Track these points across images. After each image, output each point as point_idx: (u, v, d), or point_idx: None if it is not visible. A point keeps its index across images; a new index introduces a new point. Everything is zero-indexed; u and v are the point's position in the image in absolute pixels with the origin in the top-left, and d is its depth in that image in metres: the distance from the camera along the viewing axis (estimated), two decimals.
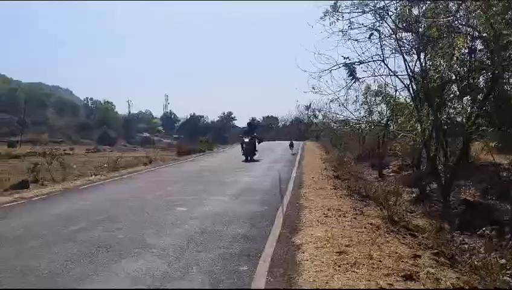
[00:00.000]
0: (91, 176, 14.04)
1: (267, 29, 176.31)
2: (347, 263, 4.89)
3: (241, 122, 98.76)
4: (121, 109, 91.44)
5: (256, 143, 21.61)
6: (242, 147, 21.15)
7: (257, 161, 20.13)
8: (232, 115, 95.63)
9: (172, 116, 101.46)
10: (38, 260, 4.94)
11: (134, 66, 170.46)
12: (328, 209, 8.23)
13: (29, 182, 11.60)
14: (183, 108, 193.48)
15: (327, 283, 4.31)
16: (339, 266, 4.80)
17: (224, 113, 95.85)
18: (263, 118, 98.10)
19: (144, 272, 4.58)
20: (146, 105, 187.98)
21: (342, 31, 12.64)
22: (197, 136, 50.91)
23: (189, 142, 41.05)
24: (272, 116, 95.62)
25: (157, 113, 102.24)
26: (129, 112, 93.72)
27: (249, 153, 20.62)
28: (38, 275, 4.43)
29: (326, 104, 15.93)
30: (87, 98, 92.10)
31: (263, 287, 4.26)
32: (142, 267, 4.73)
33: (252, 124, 23.71)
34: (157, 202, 9.11)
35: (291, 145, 27.65)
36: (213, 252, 5.37)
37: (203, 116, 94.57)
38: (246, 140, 20.96)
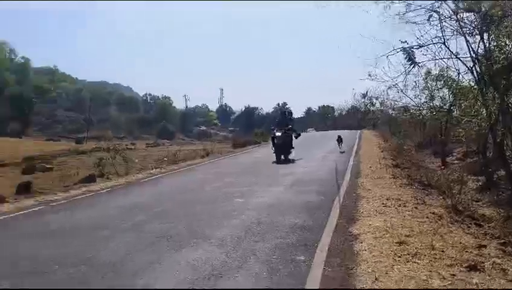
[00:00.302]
0: (152, 169, 14.59)
1: (321, 18, 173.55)
2: (407, 254, 4.76)
3: (297, 112, 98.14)
4: (178, 104, 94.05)
5: (293, 138, 16.96)
6: (273, 143, 16.48)
7: (293, 161, 15.91)
8: (287, 106, 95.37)
9: (228, 109, 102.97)
10: (106, 250, 5.22)
11: (190, 61, 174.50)
12: (387, 199, 8.04)
13: (96, 176, 12.24)
14: (238, 101, 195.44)
15: (386, 273, 4.21)
16: (399, 257, 4.68)
17: (278, 104, 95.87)
18: (318, 107, 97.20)
19: (203, 261, 4.70)
20: (202, 99, 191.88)
21: (399, 14, 12.20)
22: (252, 128, 51.41)
23: (245, 134, 41.47)
24: (327, 106, 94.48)
25: (213, 106, 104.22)
26: (186, 106, 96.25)
27: (282, 151, 16.06)
28: (104, 264, 4.66)
29: (384, 91, 15.48)
30: (146, 94, 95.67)
31: (320, 277, 4.24)
32: (201, 256, 4.86)
33: (286, 113, 18.99)
34: (214, 194, 9.32)
35: (339, 141, 21.05)
36: (270, 242, 5.41)
37: (257, 108, 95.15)
38: (278, 134, 16.20)
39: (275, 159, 15.89)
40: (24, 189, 9.92)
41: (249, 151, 23.70)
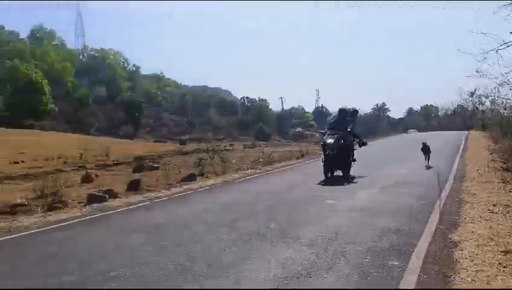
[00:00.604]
0: (247, 169, 15.02)
1: (424, 14, 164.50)
2: None
3: (396, 113, 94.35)
4: (275, 106, 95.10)
5: (355, 145, 12.98)
6: (324, 153, 12.14)
7: (352, 179, 11.58)
8: (386, 106, 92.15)
9: (324, 110, 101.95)
10: (202, 244, 5.51)
11: (286, 64, 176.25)
12: (494, 205, 7.43)
13: (196, 175, 12.93)
14: (335, 102, 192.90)
15: (488, 283, 3.91)
16: (504, 267, 4.31)
17: (377, 105, 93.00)
18: (421, 107, 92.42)
19: (293, 260, 4.74)
20: (298, 101, 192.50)
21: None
22: None
23: None
24: (430, 106, 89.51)
25: (309, 108, 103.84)
26: (282, 108, 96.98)
27: (336, 164, 11.85)
28: (200, 257, 4.91)
29: (495, 88, 14.17)
30: (243, 97, 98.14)
31: (414, 284, 4.07)
32: (291, 255, 4.91)
33: (346, 112, 13.63)
34: (307, 194, 9.35)
35: (425, 151, 14.73)
36: (361, 245, 5.30)
37: None
38: (329, 140, 11.99)
39: (369, 161, 14.90)
40: (134, 186, 10.80)
41: None
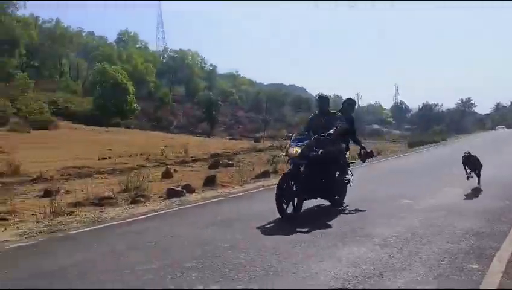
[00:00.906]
0: None
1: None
2: None
3: (482, 108, 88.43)
4: None
5: (346, 158, 8.01)
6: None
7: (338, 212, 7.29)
8: (472, 101, 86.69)
9: (403, 106, 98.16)
10: (272, 240, 5.59)
11: (363, 60, 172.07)
12: None
13: (270, 172, 13.06)
14: (415, 98, 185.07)
15: None
16: None
17: (462, 100, 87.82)
18: (510, 102, 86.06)
19: (364, 259, 4.66)
20: (375, 97, 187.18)
21: None
22: (430, 126, 48.13)
23: (422, 133, 39.20)
24: None
25: (387, 104, 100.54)
26: (358, 105, 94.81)
27: (304, 187, 6.80)
28: (269, 252, 4.97)
29: None
30: (318, 93, 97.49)
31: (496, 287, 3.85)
32: (363, 255, 4.83)
33: (328, 102, 8.15)
34: (381, 193, 9.07)
35: (469, 162, 9.52)
36: (439, 246, 5.08)
37: (437, 105, 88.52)
38: (294, 150, 6.90)
39: (451, 159, 14.25)
40: (209, 182, 11.16)
41: (426, 150, 22.24)
